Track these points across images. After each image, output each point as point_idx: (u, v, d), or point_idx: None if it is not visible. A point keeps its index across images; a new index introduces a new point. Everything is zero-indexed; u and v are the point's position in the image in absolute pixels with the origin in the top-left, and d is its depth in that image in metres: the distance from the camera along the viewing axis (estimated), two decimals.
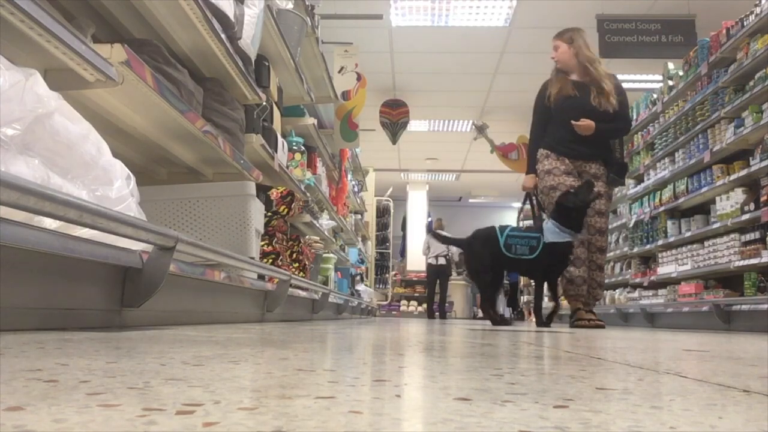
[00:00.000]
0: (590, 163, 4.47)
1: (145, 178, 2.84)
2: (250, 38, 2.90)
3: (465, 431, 0.42)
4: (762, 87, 4.84)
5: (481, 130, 10.31)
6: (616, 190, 8.30)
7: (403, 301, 13.90)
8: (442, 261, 10.97)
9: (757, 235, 5.02)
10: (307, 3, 4.72)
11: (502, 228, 4.18)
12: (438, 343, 1.64)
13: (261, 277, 3.15)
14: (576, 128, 4.31)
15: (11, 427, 0.38)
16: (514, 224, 4.54)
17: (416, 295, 14.01)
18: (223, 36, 2.55)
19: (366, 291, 9.83)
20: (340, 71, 6.85)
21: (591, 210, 4.29)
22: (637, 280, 7.40)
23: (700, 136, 6.00)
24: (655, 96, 7.40)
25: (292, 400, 0.52)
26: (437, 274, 11.05)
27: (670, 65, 7.06)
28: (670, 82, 6.93)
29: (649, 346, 1.77)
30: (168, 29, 2.47)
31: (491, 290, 4.25)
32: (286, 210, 3.78)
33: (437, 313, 10.99)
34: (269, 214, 3.58)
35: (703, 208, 6.17)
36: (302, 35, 4.43)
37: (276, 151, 3.70)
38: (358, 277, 9.61)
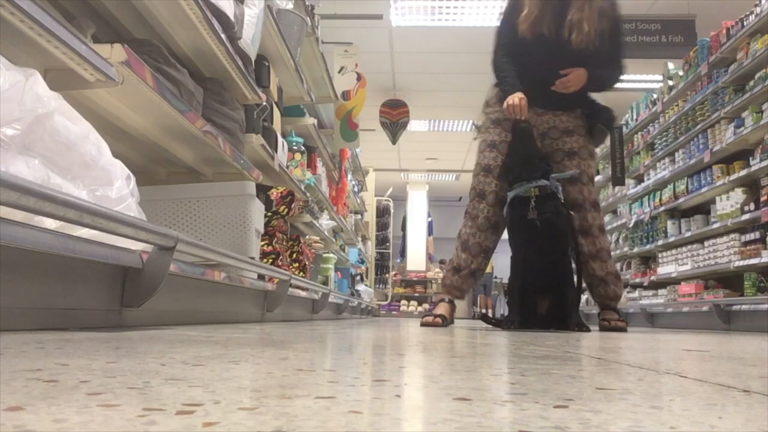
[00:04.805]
0: (562, 115, 3.46)
1: (145, 178, 2.84)
2: (250, 38, 2.90)
3: (465, 431, 0.42)
4: (762, 87, 4.84)
5: (480, 130, 10.31)
6: (617, 189, 8.33)
7: (403, 301, 13.90)
8: None
9: (757, 235, 5.02)
10: (307, 3, 4.73)
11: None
12: (438, 343, 1.64)
13: (261, 277, 3.15)
14: (559, 86, 3.30)
15: (11, 427, 0.38)
16: None
17: (416, 295, 14.01)
18: (223, 36, 2.55)
19: (366, 291, 9.83)
20: (340, 71, 6.85)
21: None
22: (637, 280, 7.40)
23: (700, 136, 6.00)
24: (655, 96, 7.40)
25: (292, 400, 0.52)
26: None
27: (670, 65, 7.06)
28: (670, 82, 6.94)
29: (649, 346, 1.77)
30: (168, 29, 2.47)
31: None
32: (286, 210, 3.78)
33: None
34: (269, 214, 3.58)
35: (703, 208, 6.18)
36: (302, 35, 4.43)
37: (276, 151, 3.70)
38: (358, 277, 9.61)
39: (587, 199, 3.43)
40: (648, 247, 7.12)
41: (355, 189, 9.40)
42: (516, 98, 3.32)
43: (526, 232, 3.21)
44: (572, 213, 3.39)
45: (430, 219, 15.60)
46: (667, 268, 6.62)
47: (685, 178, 6.29)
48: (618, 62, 3.47)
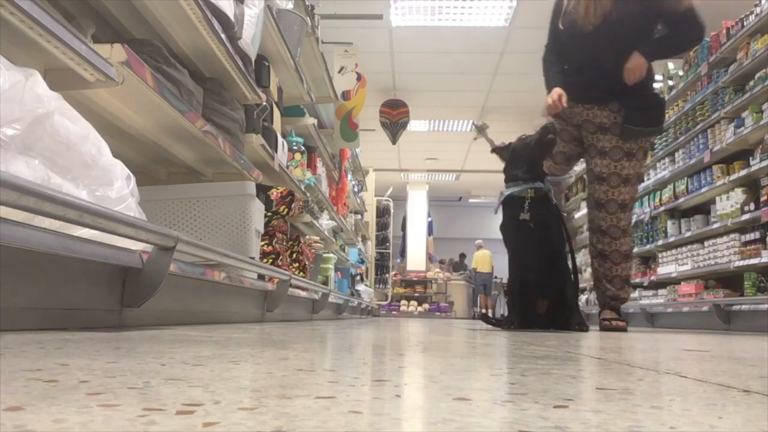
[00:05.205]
0: (593, 109, 3.42)
1: (145, 178, 2.84)
2: (250, 38, 2.90)
3: (465, 431, 0.42)
4: (762, 87, 4.84)
5: (481, 130, 10.29)
6: None
7: (403, 301, 13.90)
8: None
9: (757, 235, 5.02)
10: (307, 3, 4.72)
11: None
12: (438, 343, 1.64)
13: (261, 277, 3.15)
14: (629, 78, 3.24)
15: (11, 427, 0.38)
16: None
17: (416, 295, 14.02)
18: (223, 36, 2.55)
19: (366, 291, 9.83)
20: (340, 71, 6.85)
21: (590, 174, 3.50)
22: (637, 280, 7.40)
23: (700, 136, 6.00)
24: None
25: (292, 400, 0.52)
26: None
27: (670, 65, 7.05)
28: (670, 82, 6.93)
29: (649, 346, 1.77)
30: (168, 29, 2.47)
31: None
32: (286, 210, 3.78)
33: None
34: (269, 214, 3.58)
35: (703, 208, 6.18)
36: (302, 35, 4.43)
37: (276, 151, 3.70)
38: (358, 277, 9.61)
39: (612, 200, 3.42)
40: (648, 247, 7.12)
41: (355, 189, 9.40)
42: (554, 94, 3.35)
43: (518, 232, 3.24)
44: (595, 212, 3.46)
45: (430, 219, 15.61)
46: (667, 268, 6.61)
47: (685, 178, 6.29)
48: (691, 19, 3.40)
